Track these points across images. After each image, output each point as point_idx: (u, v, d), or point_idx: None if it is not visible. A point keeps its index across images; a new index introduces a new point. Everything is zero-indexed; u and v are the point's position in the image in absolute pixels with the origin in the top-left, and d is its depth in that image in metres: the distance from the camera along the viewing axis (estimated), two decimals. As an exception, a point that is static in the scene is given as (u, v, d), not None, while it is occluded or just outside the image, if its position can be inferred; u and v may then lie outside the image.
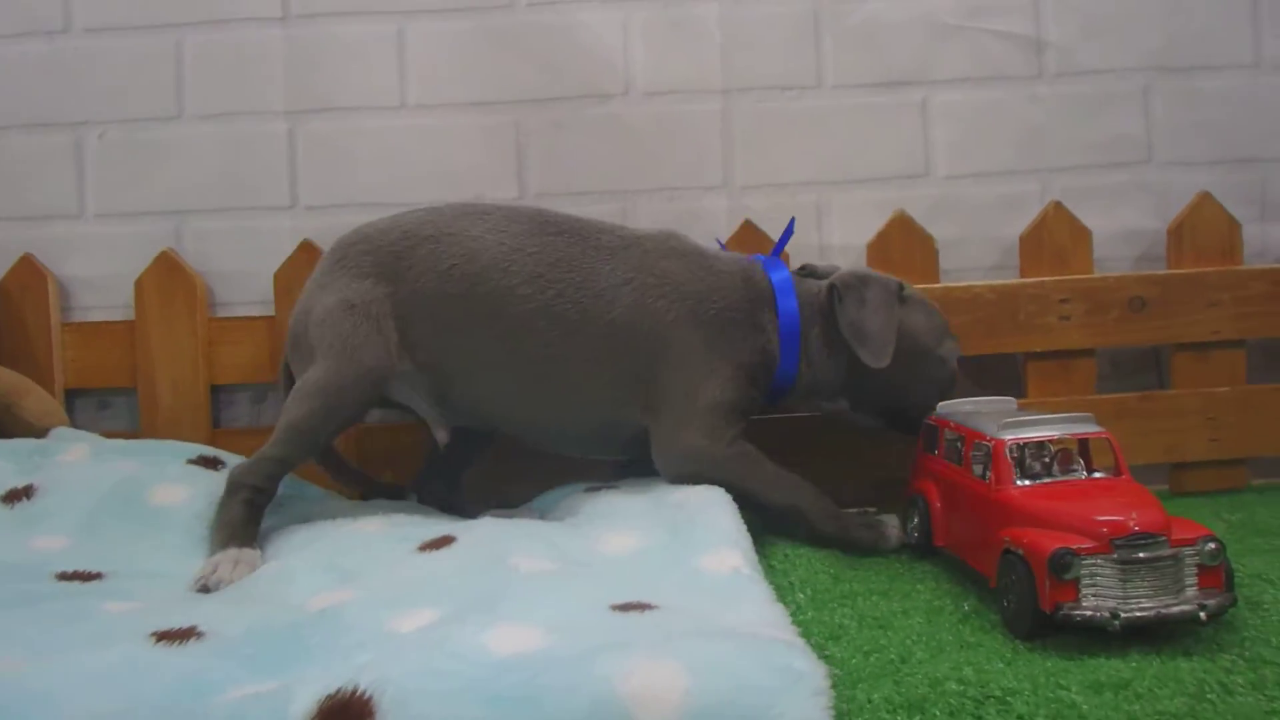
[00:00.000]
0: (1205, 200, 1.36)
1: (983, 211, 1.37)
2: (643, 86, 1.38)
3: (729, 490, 1.06)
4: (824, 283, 1.16)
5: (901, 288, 1.16)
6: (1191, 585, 0.81)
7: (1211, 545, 0.81)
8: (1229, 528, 1.14)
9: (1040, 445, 0.95)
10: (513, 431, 1.18)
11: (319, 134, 1.38)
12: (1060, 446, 0.95)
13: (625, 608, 0.71)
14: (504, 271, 1.08)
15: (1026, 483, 0.91)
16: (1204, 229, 1.35)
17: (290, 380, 1.16)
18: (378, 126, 1.38)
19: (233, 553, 0.98)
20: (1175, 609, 0.79)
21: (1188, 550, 0.81)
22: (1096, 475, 0.93)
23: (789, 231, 1.24)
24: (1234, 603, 0.81)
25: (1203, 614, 0.78)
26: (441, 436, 1.15)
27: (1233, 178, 1.41)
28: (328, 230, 1.34)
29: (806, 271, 1.21)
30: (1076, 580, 0.80)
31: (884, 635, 0.85)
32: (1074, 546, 0.80)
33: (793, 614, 0.89)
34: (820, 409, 1.22)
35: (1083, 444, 0.97)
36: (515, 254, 1.09)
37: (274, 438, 1.07)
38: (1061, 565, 0.79)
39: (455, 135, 1.38)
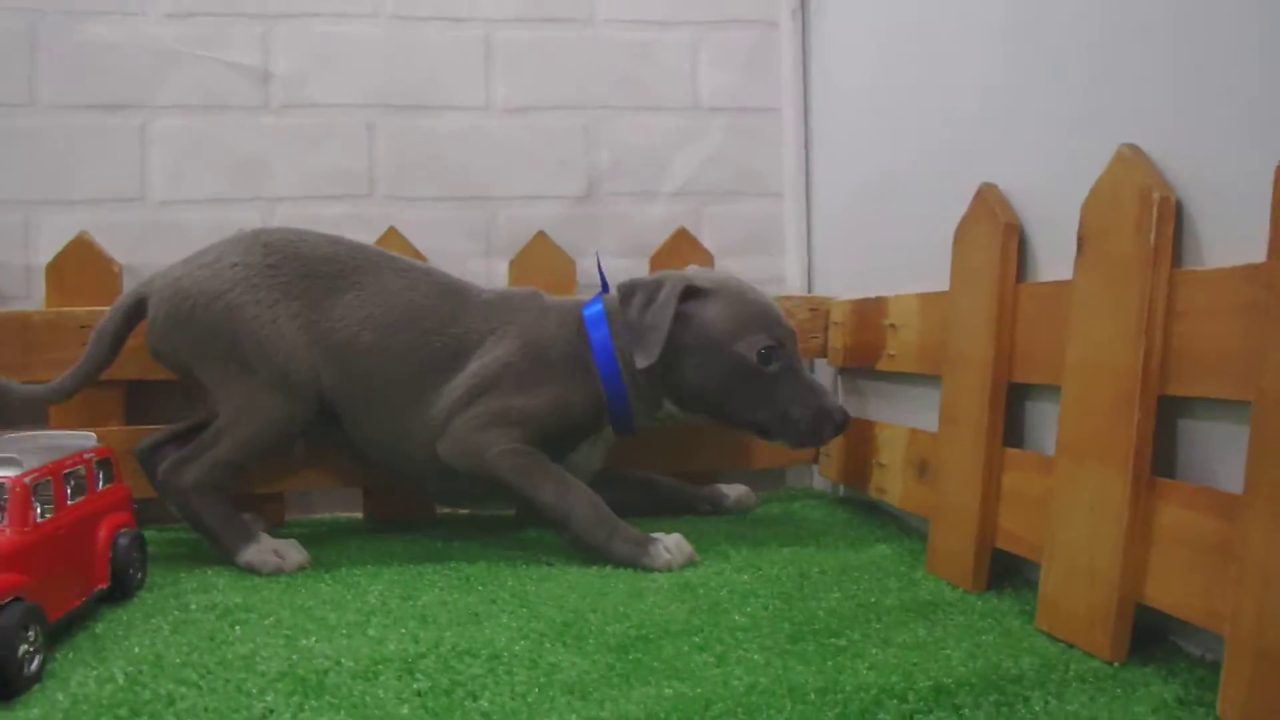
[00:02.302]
0: (391, 234, 1.40)
1: (198, 237, 1.32)
2: None
3: (501, 486, 1.13)
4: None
5: (693, 284, 1.16)
6: None
7: None
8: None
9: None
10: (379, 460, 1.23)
11: None
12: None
13: None
14: (407, 327, 1.18)
15: None
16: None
17: (122, 330, 1.19)
18: None
19: (269, 543, 1.10)
20: None
21: None
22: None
23: (599, 268, 1.27)
24: None
25: None
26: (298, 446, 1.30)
27: (461, 213, 1.46)
28: None
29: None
30: None
31: None
32: None
33: None
34: (671, 420, 1.24)
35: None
36: (421, 309, 1.19)
37: (230, 446, 1.12)
38: None
39: None
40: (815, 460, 1.45)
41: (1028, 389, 0.97)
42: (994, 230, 0.97)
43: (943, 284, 1.10)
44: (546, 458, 1.13)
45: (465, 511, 1.41)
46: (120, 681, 0.74)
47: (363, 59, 1.44)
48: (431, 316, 1.18)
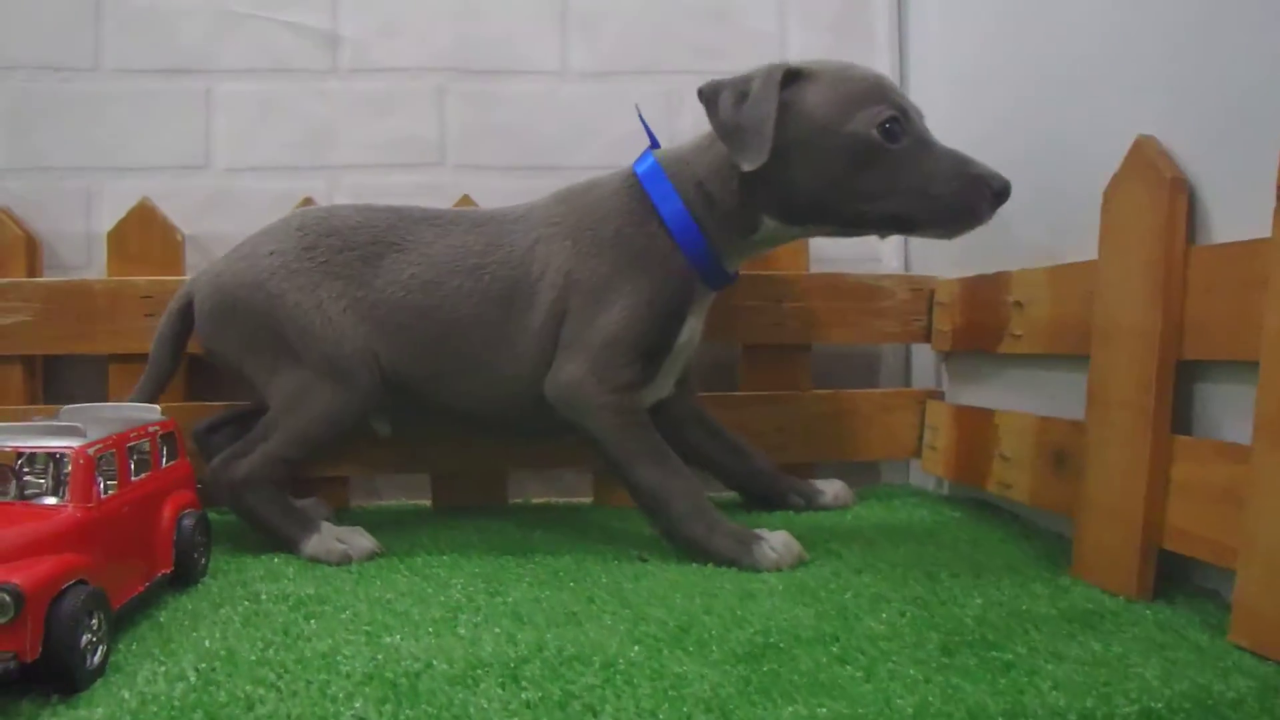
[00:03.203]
0: (465, 202, 1.31)
1: (263, 206, 1.26)
2: (-123, 57, 1.26)
3: (597, 445, 1.04)
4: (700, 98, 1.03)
5: (796, 68, 1.00)
6: None
7: None
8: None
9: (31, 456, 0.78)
10: (448, 412, 1.14)
11: None
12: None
13: None
14: (452, 273, 1.09)
15: None
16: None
17: (180, 333, 1.14)
18: None
19: (332, 531, 1.04)
20: None
21: None
22: (32, 499, 0.75)
23: (643, 120, 1.13)
24: (20, 671, 0.63)
25: None
26: (384, 429, 1.18)
27: (536, 183, 1.35)
28: None
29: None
30: None
31: None
32: None
33: None
34: (773, 243, 1.10)
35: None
36: (459, 251, 1.10)
37: (282, 440, 1.06)
38: None
39: None
40: (918, 454, 1.34)
41: (1197, 367, 0.85)
42: (1157, 187, 0.85)
43: (1070, 256, 0.99)
44: (651, 426, 1.03)
45: (538, 501, 1.32)
46: (192, 680, 0.66)
47: (434, 21, 1.35)
48: (471, 253, 1.10)
